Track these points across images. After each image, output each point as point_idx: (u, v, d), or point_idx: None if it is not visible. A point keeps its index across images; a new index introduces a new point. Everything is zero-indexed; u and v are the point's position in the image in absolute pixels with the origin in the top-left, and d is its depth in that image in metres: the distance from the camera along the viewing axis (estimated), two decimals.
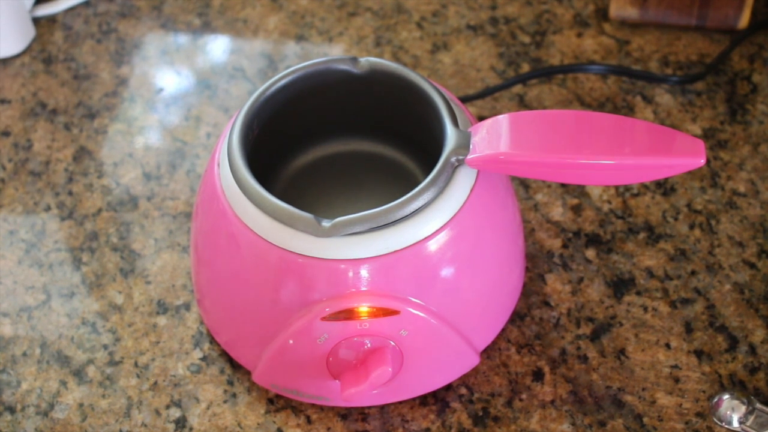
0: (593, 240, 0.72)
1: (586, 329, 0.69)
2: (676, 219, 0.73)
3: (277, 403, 0.67)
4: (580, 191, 0.75)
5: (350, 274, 0.59)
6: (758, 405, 0.63)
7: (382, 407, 0.66)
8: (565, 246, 0.72)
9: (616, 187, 0.75)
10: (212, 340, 0.69)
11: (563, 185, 0.75)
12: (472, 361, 0.66)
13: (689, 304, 0.69)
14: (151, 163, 0.78)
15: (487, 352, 0.68)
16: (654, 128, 0.60)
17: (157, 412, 0.66)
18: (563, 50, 0.83)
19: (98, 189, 0.77)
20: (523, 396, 0.66)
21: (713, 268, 0.71)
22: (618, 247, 0.72)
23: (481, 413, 0.66)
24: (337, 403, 0.65)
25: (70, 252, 0.74)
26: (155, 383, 0.68)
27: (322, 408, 0.66)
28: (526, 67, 0.82)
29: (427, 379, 0.65)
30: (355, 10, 0.87)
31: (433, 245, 0.59)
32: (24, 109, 0.82)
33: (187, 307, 0.71)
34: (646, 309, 0.69)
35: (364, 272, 0.59)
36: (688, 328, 0.68)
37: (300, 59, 0.84)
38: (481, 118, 0.77)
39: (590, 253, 0.72)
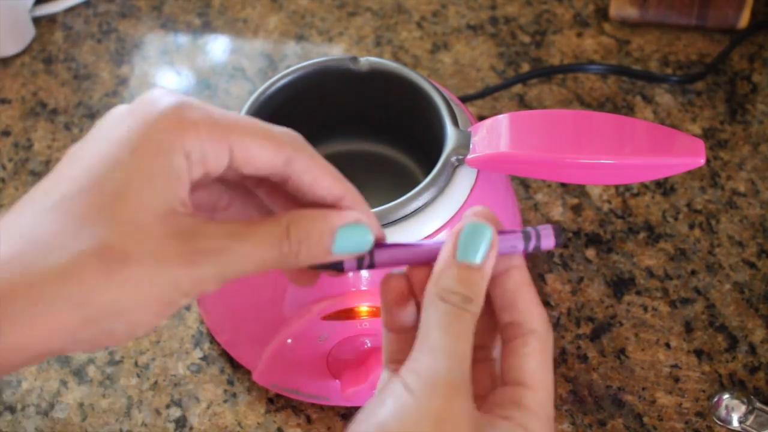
0: (593, 240, 0.72)
1: (586, 329, 0.69)
2: (676, 219, 0.73)
3: (277, 402, 0.67)
4: (580, 191, 0.75)
5: (350, 273, 0.59)
6: (758, 404, 0.63)
7: None
8: (565, 246, 0.72)
9: (616, 187, 0.75)
10: (212, 340, 0.69)
11: (563, 185, 0.75)
12: None
13: (689, 303, 0.69)
14: None
15: None
16: (654, 128, 0.60)
17: (158, 412, 0.66)
18: (563, 50, 0.83)
19: None
20: None
21: (713, 268, 0.71)
22: (618, 246, 0.72)
23: None
24: (337, 403, 0.65)
25: None
26: (155, 383, 0.68)
27: (322, 407, 0.66)
28: (526, 67, 0.82)
29: None
30: (355, 9, 0.87)
31: None
32: (24, 108, 0.82)
33: (187, 306, 0.71)
34: (646, 309, 0.69)
35: (364, 272, 0.59)
36: (688, 328, 0.68)
37: (300, 59, 0.84)
38: (481, 118, 0.77)
39: (590, 252, 0.72)
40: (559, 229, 0.45)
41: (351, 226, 0.44)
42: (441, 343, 0.42)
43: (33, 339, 0.39)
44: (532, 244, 0.44)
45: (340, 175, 0.45)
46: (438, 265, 0.44)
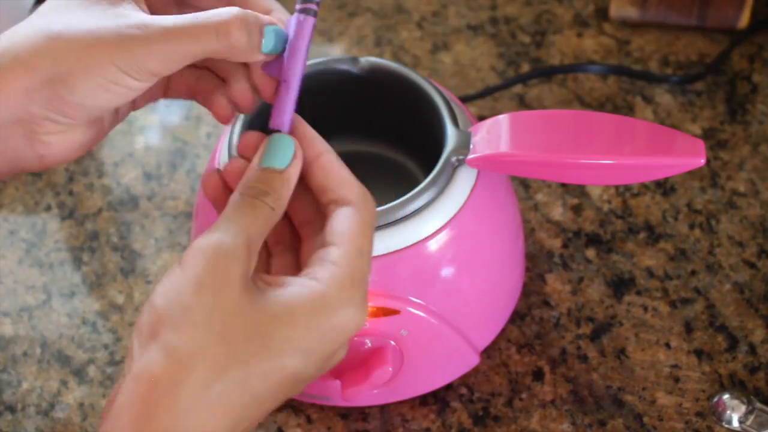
0: (593, 240, 0.72)
1: (586, 329, 0.69)
2: (676, 219, 0.73)
3: None
4: (580, 191, 0.75)
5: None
6: (758, 404, 0.63)
7: (383, 407, 0.66)
8: (565, 246, 0.72)
9: (616, 187, 0.75)
10: None
11: (563, 185, 0.75)
12: (472, 360, 0.66)
13: (689, 303, 0.69)
14: (151, 162, 0.78)
15: (487, 352, 0.68)
16: (654, 128, 0.60)
17: None
18: (563, 50, 0.83)
19: (99, 189, 0.77)
20: (524, 396, 0.66)
21: (713, 268, 0.71)
22: (618, 246, 0.72)
23: (481, 413, 0.66)
24: (337, 403, 0.65)
25: (71, 252, 0.74)
26: None
27: (322, 408, 0.66)
28: (526, 67, 0.82)
29: (427, 378, 0.65)
30: (355, 10, 0.87)
31: (433, 245, 0.59)
32: None
33: None
34: (646, 309, 0.69)
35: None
36: (688, 328, 0.68)
37: None
38: (481, 118, 0.77)
39: (590, 252, 0.72)
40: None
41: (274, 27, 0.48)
42: (219, 222, 0.44)
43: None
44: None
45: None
46: (245, 173, 0.47)
